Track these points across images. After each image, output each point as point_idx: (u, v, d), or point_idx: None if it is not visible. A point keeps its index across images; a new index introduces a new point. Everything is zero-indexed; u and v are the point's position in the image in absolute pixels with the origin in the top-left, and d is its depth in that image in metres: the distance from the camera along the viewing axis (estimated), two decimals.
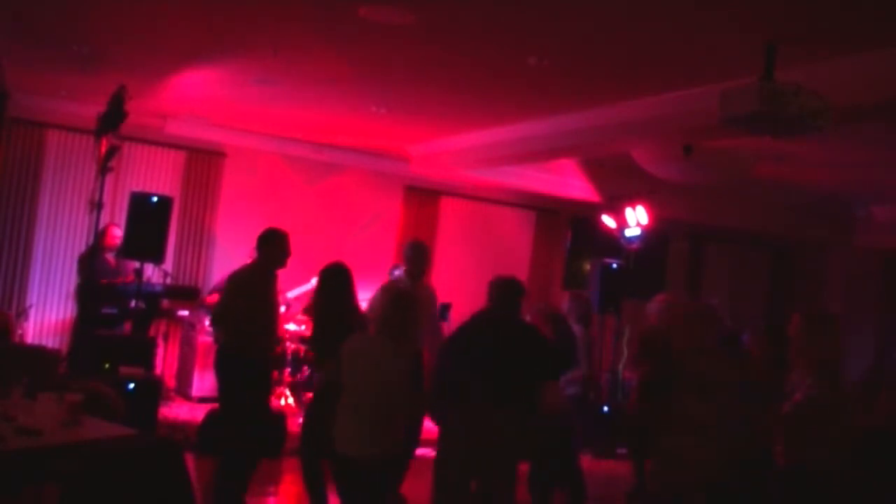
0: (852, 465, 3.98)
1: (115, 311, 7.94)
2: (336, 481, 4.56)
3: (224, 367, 5.54)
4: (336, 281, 5.37)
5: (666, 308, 5.99)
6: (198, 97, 8.08)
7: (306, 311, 8.89)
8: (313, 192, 10.41)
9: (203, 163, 9.79)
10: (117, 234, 7.92)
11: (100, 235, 7.69)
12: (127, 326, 7.73)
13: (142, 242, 7.27)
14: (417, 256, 6.28)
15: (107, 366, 6.59)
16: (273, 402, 7.63)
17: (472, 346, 4.69)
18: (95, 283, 7.61)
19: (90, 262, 7.68)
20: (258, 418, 5.57)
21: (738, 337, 6.12)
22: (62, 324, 9.08)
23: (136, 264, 7.44)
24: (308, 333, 8.00)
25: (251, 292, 5.56)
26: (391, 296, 4.46)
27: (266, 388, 6.08)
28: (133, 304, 7.53)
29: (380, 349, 4.35)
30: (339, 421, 4.38)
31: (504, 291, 4.79)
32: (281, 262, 5.73)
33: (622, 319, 9.31)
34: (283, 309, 7.78)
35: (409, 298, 4.51)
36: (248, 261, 8.05)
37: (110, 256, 8.03)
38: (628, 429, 7.45)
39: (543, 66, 5.75)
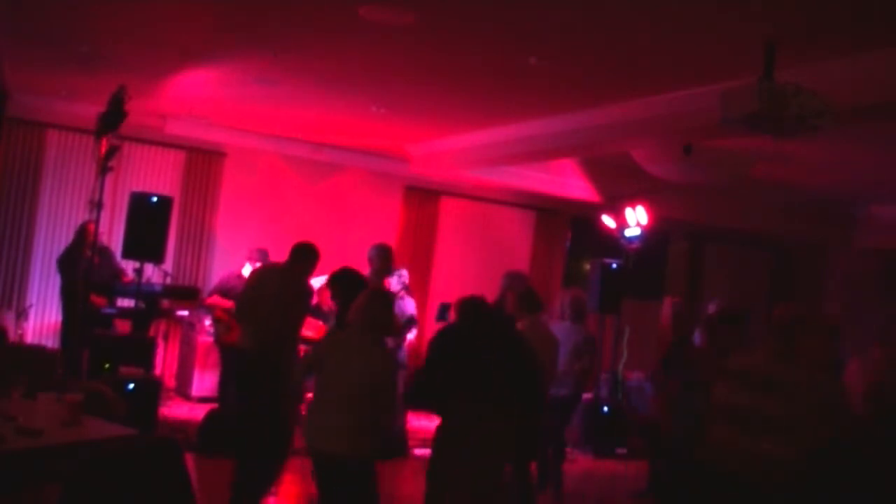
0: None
1: (113, 311, 7.95)
2: (317, 478, 4.48)
3: (245, 368, 5.55)
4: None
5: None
6: (198, 97, 8.08)
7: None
8: (313, 192, 10.41)
9: (203, 163, 9.79)
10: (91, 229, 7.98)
11: (82, 233, 7.87)
12: (123, 325, 7.73)
13: (142, 242, 7.27)
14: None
15: (107, 366, 6.59)
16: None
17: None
18: (94, 281, 7.61)
19: (73, 262, 7.73)
20: (272, 420, 5.56)
21: None
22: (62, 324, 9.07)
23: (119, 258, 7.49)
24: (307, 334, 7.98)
25: (290, 295, 5.61)
26: (376, 295, 4.57)
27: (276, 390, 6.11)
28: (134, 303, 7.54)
29: (358, 342, 4.37)
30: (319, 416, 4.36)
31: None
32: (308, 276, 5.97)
33: (622, 319, 9.30)
34: None
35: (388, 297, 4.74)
36: (247, 261, 8.13)
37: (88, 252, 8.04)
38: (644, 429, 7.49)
39: (544, 66, 5.75)
